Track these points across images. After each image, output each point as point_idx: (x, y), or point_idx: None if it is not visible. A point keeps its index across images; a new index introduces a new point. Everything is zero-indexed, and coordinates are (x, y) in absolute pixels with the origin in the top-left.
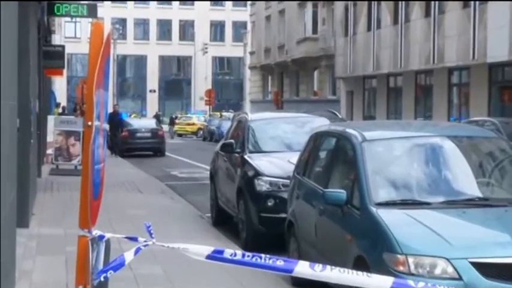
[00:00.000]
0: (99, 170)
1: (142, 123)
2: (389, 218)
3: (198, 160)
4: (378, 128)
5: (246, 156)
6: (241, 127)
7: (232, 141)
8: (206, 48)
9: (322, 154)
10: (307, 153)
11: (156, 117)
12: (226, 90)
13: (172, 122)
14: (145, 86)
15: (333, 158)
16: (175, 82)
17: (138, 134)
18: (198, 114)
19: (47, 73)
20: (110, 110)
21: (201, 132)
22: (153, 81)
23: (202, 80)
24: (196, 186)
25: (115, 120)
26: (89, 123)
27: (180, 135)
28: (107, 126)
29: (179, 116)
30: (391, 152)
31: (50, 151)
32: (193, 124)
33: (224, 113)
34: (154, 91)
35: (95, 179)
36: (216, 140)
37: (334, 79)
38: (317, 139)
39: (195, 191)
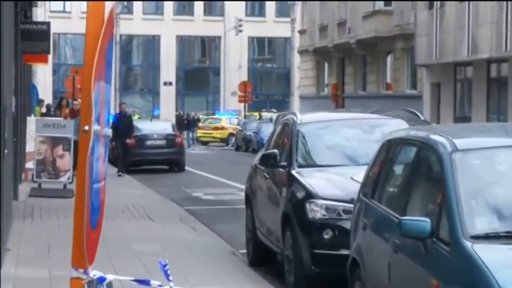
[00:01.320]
0: (98, 190)
1: (154, 127)
2: (489, 256)
3: (228, 177)
4: (474, 133)
5: (294, 172)
6: (287, 132)
7: (275, 151)
8: (240, 25)
9: (398, 169)
10: (378, 167)
11: (179, 119)
12: (268, 83)
13: (184, 123)
14: (158, 77)
15: (413, 175)
16: (199, 72)
17: (149, 142)
18: (229, 115)
19: (26, 60)
20: (113, 109)
21: (233, 139)
22: (168, 70)
23: (234, 69)
24: (227, 213)
25: (123, 125)
26: (86, 127)
27: (204, 143)
28: (109, 132)
29: (203, 117)
30: (493, 167)
31: (30, 165)
32: (222, 128)
33: (264, 114)
34: (171, 84)
35: (93, 203)
36: (254, 150)
37: (414, 67)
38: (391, 149)
39: (225, 219)
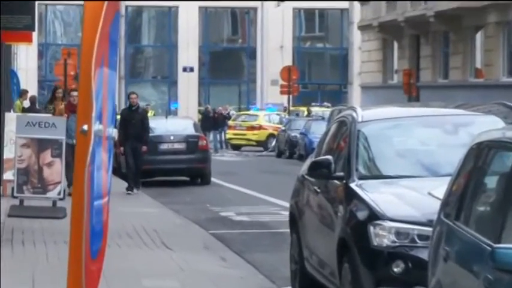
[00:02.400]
0: (100, 209)
1: (171, 126)
2: None
3: (268, 192)
4: None
5: (353, 186)
6: (344, 133)
7: (329, 158)
8: None
9: (491, 182)
10: (464, 180)
11: (203, 116)
12: (319, 69)
13: (210, 121)
14: (176, 62)
15: (511, 190)
16: (229, 54)
17: (164, 146)
18: (269, 111)
19: (4, 39)
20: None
21: (274, 142)
22: (188, 52)
23: (275, 50)
24: (266, 239)
25: (135, 123)
26: (85, 127)
27: (236, 147)
28: (114, 133)
29: (234, 113)
30: None
31: (9, 175)
32: (259, 128)
33: (315, 109)
34: (192, 70)
35: (94, 225)
36: (301, 157)
37: (511, 48)
38: (481, 155)
39: (263, 246)
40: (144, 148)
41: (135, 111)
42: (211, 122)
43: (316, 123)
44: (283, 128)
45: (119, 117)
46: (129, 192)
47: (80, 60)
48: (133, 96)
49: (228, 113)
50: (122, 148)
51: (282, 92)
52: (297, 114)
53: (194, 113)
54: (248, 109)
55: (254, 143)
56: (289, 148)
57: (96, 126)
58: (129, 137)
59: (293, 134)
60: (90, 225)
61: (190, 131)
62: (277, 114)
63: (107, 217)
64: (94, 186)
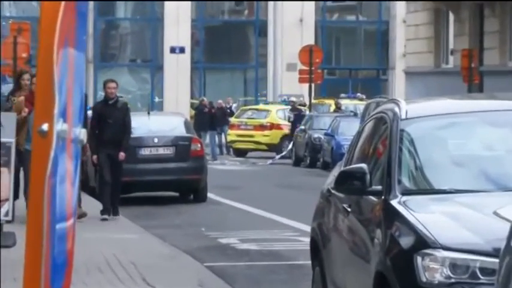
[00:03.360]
0: (64, 234)
1: (154, 125)
2: None
3: (281, 211)
4: None
5: (395, 203)
6: (383, 134)
7: (363, 166)
8: None
9: None
10: None
11: (197, 111)
12: (350, 49)
13: (206, 118)
14: (161, 40)
15: None
16: (230, 30)
17: (145, 152)
18: (284, 104)
19: None
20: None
21: (290, 145)
22: (178, 28)
23: (293, 24)
24: (280, 273)
25: (113, 122)
26: (44, 126)
27: (240, 152)
28: (83, 134)
29: (239, 107)
30: None
31: None
32: (271, 127)
33: (344, 101)
34: (182, 51)
35: (56, 257)
36: (326, 165)
37: None
38: None
39: (276, 283)
40: (122, 155)
41: (113, 107)
42: (208, 119)
43: (346, 121)
44: (302, 127)
45: (90, 113)
46: (105, 217)
47: (36, 39)
48: (112, 86)
49: (230, 108)
50: (95, 156)
51: (301, 80)
52: (320, 109)
53: (185, 108)
54: (257, 103)
55: (264, 147)
56: (311, 154)
57: (59, 126)
58: (105, 141)
59: (315, 136)
60: (51, 257)
61: (180, 131)
62: (296, 110)
63: (72, 245)
64: (56, 204)
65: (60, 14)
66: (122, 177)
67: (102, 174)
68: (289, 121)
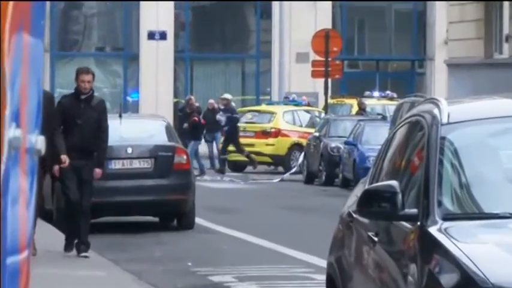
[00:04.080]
0: (17, 270)
1: (128, 131)
2: None
3: (290, 241)
4: None
5: (434, 231)
6: (418, 143)
7: (393, 184)
8: None
9: None
10: None
11: (183, 114)
12: (378, 35)
13: (194, 123)
14: (137, 24)
15: None
16: (223, 11)
17: (116, 166)
18: (294, 104)
19: None
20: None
21: (301, 157)
22: (158, 9)
23: (304, 4)
24: None
25: (85, 124)
26: None
27: (237, 166)
28: (40, 143)
29: (244, 112)
30: None
31: None
32: (276, 134)
33: (370, 101)
34: (163, 37)
35: None
36: (347, 182)
37: None
38: None
39: None
40: (98, 173)
41: (86, 104)
42: (195, 124)
43: (372, 126)
44: (316, 135)
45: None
46: (68, 251)
47: None
48: (87, 78)
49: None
50: (56, 167)
51: (314, 74)
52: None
53: (168, 109)
54: (258, 103)
55: (267, 160)
56: (327, 168)
57: (12, 132)
58: (71, 148)
59: (333, 145)
60: None
61: (161, 139)
62: (307, 112)
63: (27, 283)
64: (7, 232)
65: None
66: (88, 200)
67: (65, 193)
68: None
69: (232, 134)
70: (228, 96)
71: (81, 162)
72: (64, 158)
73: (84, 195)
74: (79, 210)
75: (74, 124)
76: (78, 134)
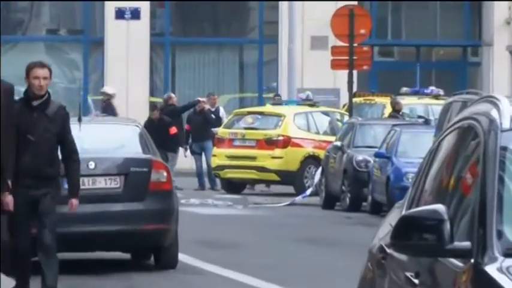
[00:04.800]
0: None
1: (91, 139)
2: None
3: (302, 284)
4: None
5: (492, 270)
6: (471, 155)
7: (438, 208)
8: None
9: None
10: None
11: (165, 117)
12: (417, 15)
13: (177, 130)
14: (101, 3)
15: None
16: None
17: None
18: (308, 103)
19: None
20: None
21: (318, 173)
22: None
23: None
24: None
25: (41, 137)
26: None
27: (233, 185)
28: None
29: (232, 111)
30: None
31: None
32: (285, 142)
33: (408, 100)
34: (136, 16)
35: None
36: (378, 206)
37: None
38: None
39: None
40: (75, 203)
41: (42, 112)
42: (178, 130)
43: (410, 133)
44: (337, 144)
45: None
46: None
47: None
48: (42, 73)
49: (217, 112)
50: (9, 198)
51: (335, 65)
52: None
53: (142, 111)
54: (261, 102)
55: (274, 178)
56: (352, 188)
57: None
58: (26, 174)
59: (360, 158)
60: None
61: (133, 150)
62: (326, 114)
63: None
64: None
65: None
66: (51, 235)
67: (17, 229)
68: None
69: None
70: (168, 95)
71: (38, 193)
72: (8, 201)
73: (45, 234)
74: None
75: (25, 141)
76: (32, 155)
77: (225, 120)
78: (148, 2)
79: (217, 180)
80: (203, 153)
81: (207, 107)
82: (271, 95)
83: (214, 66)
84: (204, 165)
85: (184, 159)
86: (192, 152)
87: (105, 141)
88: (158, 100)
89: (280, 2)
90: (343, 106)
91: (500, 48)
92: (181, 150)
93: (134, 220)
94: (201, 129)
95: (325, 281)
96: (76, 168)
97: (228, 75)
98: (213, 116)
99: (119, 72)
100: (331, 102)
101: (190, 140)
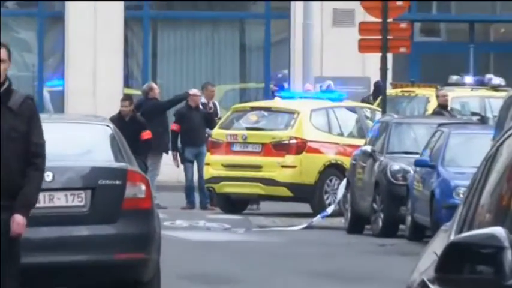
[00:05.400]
0: None
1: (47, 145)
2: None
3: None
4: None
5: None
6: None
7: (497, 233)
8: None
9: None
10: None
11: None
12: None
13: (159, 129)
14: None
15: None
16: None
17: None
18: (330, 99)
19: None
20: None
21: (342, 187)
22: None
23: None
24: None
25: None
26: None
27: (231, 202)
28: None
29: (230, 107)
30: None
31: None
32: (299, 146)
33: (458, 92)
34: None
35: None
36: (419, 231)
37: None
38: None
39: None
40: (19, 223)
41: (2, 103)
42: (160, 129)
43: (461, 136)
44: (367, 149)
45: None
46: None
47: None
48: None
49: (214, 107)
50: None
51: (363, 47)
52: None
53: (114, 107)
54: (267, 95)
55: (285, 193)
56: (386, 206)
57: None
58: None
59: (396, 167)
60: None
61: (103, 156)
62: (352, 110)
63: None
64: None
65: None
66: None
67: None
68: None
69: None
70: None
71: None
72: None
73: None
74: None
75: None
76: None
77: (222, 117)
78: None
79: (212, 195)
80: (195, 160)
81: (202, 100)
82: (277, 87)
83: (208, 49)
84: (196, 177)
85: (168, 169)
86: (184, 161)
87: (66, 145)
88: (136, 93)
89: None
90: (372, 98)
91: None
92: (165, 156)
93: (104, 248)
94: (196, 130)
95: None
96: (36, 177)
97: (225, 60)
98: (209, 111)
99: (84, 56)
100: (358, 95)
101: (179, 144)
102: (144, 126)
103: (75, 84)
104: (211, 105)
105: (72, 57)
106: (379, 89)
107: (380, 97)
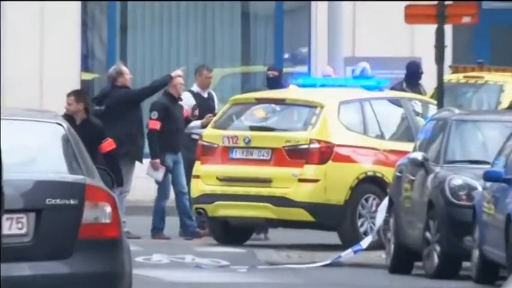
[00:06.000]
0: None
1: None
2: None
3: None
4: None
5: None
6: None
7: None
8: None
9: None
10: None
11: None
12: None
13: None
14: None
15: None
16: None
17: None
18: (363, 86)
19: None
20: None
21: (383, 209)
22: None
23: None
24: None
25: None
26: None
27: (228, 231)
28: None
29: (229, 98)
30: None
31: None
32: (324, 153)
33: None
34: None
35: None
36: (490, 269)
37: None
38: None
39: None
40: None
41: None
42: (137, 127)
43: None
44: (417, 157)
45: None
46: None
47: None
48: None
49: (211, 98)
50: None
51: (410, 17)
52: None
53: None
54: (277, 84)
55: (304, 216)
56: (444, 235)
57: None
58: None
59: (457, 182)
60: None
61: (53, 166)
62: (396, 103)
63: None
64: None
65: None
66: None
67: None
68: None
69: None
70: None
71: None
72: None
73: None
74: None
75: None
76: None
77: (220, 110)
78: None
79: (202, 220)
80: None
81: (195, 89)
82: (300, 69)
83: (198, 19)
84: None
85: (142, 184)
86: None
87: (3, 151)
88: (97, 77)
89: None
90: (406, 86)
91: None
92: (145, 166)
93: None
94: (180, 130)
95: None
96: None
97: (222, 33)
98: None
99: (28, 32)
100: (421, 88)
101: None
102: (102, 133)
103: (15, 68)
104: (206, 95)
105: (10, 31)
106: (414, 73)
107: (419, 85)
